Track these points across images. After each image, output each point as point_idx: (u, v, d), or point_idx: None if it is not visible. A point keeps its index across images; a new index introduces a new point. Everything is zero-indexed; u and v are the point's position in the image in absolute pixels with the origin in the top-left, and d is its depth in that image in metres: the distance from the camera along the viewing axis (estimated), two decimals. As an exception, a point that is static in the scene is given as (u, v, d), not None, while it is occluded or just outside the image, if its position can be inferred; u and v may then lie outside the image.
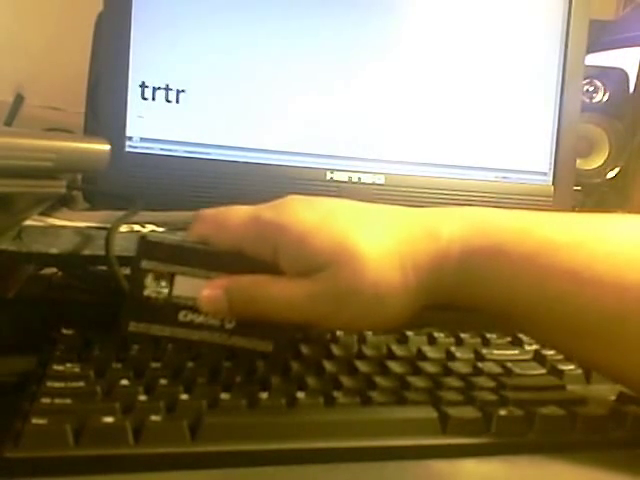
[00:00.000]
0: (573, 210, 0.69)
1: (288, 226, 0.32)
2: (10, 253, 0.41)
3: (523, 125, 0.66)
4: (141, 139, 0.59)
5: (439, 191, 0.63)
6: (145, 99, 0.59)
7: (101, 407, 0.29)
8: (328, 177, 0.62)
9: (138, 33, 0.58)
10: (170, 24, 0.59)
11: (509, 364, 0.37)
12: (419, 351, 0.39)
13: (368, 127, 0.63)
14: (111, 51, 0.58)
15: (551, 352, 0.39)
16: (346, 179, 0.62)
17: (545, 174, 0.66)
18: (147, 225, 0.49)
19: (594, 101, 0.78)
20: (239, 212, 0.34)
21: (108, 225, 0.43)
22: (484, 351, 0.39)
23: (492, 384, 0.34)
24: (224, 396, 0.31)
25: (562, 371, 0.37)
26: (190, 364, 0.34)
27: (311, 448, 0.28)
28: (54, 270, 0.55)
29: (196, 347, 0.35)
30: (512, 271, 0.31)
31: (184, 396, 0.31)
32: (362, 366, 0.35)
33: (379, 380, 0.34)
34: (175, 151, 0.60)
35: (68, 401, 0.29)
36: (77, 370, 0.32)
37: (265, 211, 0.33)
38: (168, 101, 0.59)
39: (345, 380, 0.33)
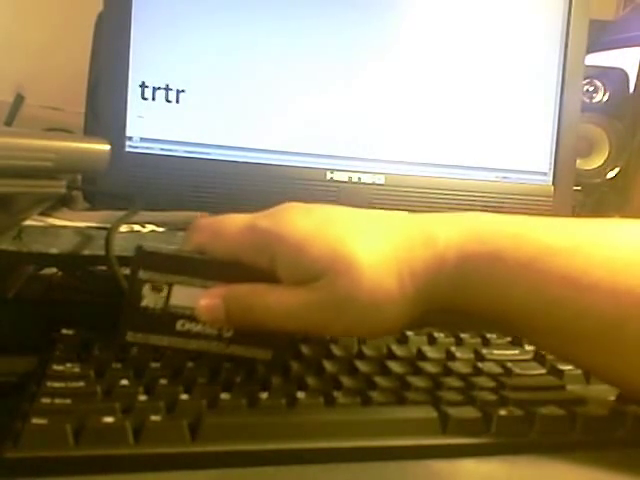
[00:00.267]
0: (573, 210, 0.70)
1: (284, 234, 0.32)
2: (10, 253, 0.41)
3: (523, 125, 0.66)
4: (141, 139, 0.59)
5: (439, 191, 0.63)
6: (145, 99, 0.59)
7: (101, 407, 0.29)
8: (328, 177, 0.62)
9: (138, 33, 0.58)
10: (170, 24, 0.59)
11: (509, 364, 0.37)
12: (419, 351, 0.39)
13: (368, 127, 0.63)
14: (111, 51, 0.58)
15: (551, 352, 0.39)
16: (346, 179, 0.62)
17: (545, 174, 0.66)
18: (147, 225, 0.50)
19: (594, 101, 0.78)
20: (235, 221, 0.33)
21: (108, 225, 0.43)
22: (484, 351, 0.39)
23: (492, 384, 0.34)
24: (224, 396, 0.31)
25: (562, 371, 0.37)
26: (190, 364, 0.34)
27: (311, 448, 0.28)
28: (54, 270, 0.55)
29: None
30: (509, 277, 0.31)
31: (184, 396, 0.31)
32: (362, 366, 0.35)
33: (379, 380, 0.34)
34: (175, 151, 0.60)
35: (68, 401, 0.29)
36: (77, 370, 0.32)
37: (261, 219, 0.33)
38: (168, 101, 0.59)
39: (345, 380, 0.33)
